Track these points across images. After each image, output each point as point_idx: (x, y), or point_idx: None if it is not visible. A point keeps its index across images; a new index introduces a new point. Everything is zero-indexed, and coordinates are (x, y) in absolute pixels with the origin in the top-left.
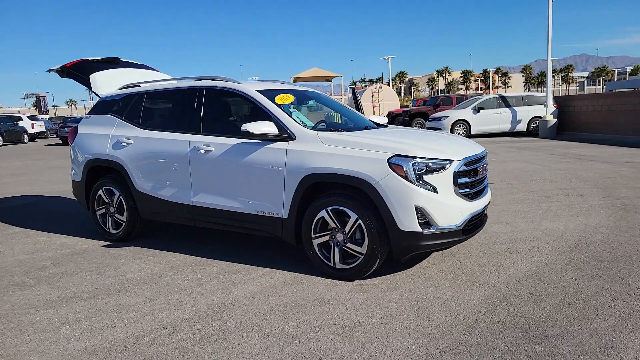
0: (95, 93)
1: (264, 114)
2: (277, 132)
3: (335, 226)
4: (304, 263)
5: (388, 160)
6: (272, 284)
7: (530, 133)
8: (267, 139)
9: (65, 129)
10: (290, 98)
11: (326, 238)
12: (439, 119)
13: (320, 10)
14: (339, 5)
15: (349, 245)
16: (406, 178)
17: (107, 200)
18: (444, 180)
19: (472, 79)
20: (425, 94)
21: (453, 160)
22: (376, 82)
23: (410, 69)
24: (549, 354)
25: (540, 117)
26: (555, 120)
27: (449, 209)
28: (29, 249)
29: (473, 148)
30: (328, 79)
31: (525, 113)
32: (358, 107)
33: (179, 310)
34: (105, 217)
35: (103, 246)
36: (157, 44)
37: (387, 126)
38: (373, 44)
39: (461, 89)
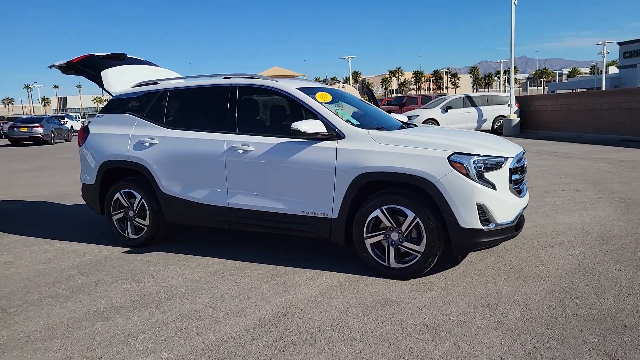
0: (106, 90)
1: (307, 113)
2: (326, 130)
3: (390, 225)
4: (348, 263)
5: (448, 158)
6: (328, 285)
7: (495, 131)
8: (315, 138)
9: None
10: (329, 97)
11: (380, 237)
12: (410, 118)
13: (274, 8)
14: (292, 3)
15: (405, 244)
16: (467, 175)
17: (125, 204)
18: (500, 177)
19: (423, 79)
20: (379, 93)
21: (508, 157)
22: (330, 82)
23: (363, 69)
24: (638, 343)
25: (504, 116)
26: (519, 119)
27: (506, 205)
28: (42, 258)
29: (516, 146)
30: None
31: (490, 112)
32: (375, 104)
33: (246, 316)
34: (123, 222)
35: (124, 252)
36: (103, 41)
37: (416, 125)
38: (327, 44)
39: (413, 89)
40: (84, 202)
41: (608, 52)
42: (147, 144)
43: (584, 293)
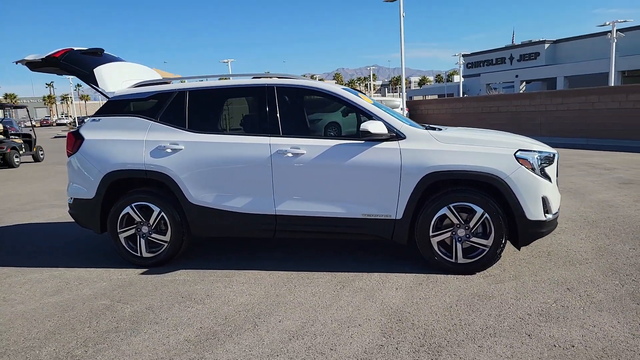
0: (99, 91)
1: (361, 114)
2: (387, 131)
3: (458, 222)
4: (396, 263)
5: (514, 154)
6: (407, 286)
7: None
8: (376, 139)
9: None
10: (368, 99)
11: (447, 235)
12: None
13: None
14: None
15: (473, 239)
16: (533, 170)
17: (138, 219)
18: (553, 171)
19: None
20: None
21: (556, 153)
22: None
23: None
24: None
25: None
26: None
27: (557, 196)
28: (46, 290)
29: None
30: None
31: None
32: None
33: (361, 325)
34: (133, 240)
35: (143, 274)
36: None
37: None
38: (209, 46)
39: None
40: (63, 218)
41: (463, 63)
42: (168, 150)
43: (632, 271)
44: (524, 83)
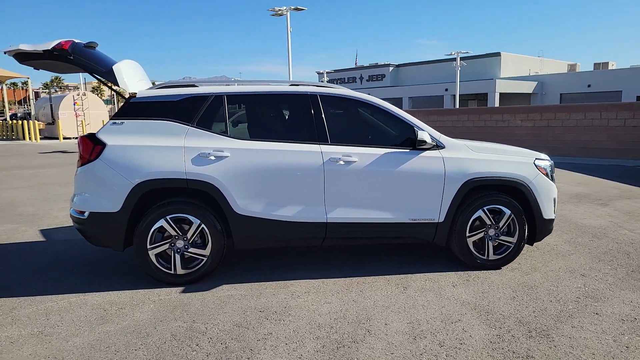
0: (116, 90)
1: (402, 125)
2: (431, 141)
3: (490, 223)
4: (427, 263)
5: (534, 163)
6: (460, 283)
7: None
8: (426, 148)
9: None
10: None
11: (481, 235)
12: None
13: None
14: None
15: (501, 237)
16: (547, 176)
17: (174, 233)
18: (554, 176)
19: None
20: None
21: (552, 162)
22: (44, 88)
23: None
24: None
25: None
26: None
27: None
28: (92, 317)
29: None
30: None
31: None
32: None
33: (465, 321)
34: (165, 256)
35: (183, 292)
36: None
37: None
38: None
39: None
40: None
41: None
42: (212, 157)
43: (611, 256)
44: None
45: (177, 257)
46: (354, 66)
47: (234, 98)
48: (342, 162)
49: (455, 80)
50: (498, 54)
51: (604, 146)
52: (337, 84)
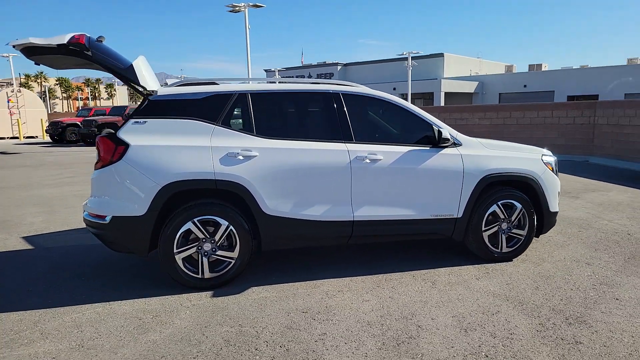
0: (135, 89)
1: (422, 124)
2: (450, 139)
3: (503, 217)
4: (443, 258)
5: (541, 159)
6: (481, 276)
7: None
8: (446, 145)
9: None
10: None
11: (495, 229)
12: None
13: None
14: None
15: (513, 230)
16: (553, 171)
17: (201, 236)
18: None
19: (74, 86)
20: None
21: (555, 157)
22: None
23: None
24: None
25: None
26: None
27: None
28: (130, 327)
29: None
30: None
31: None
32: None
33: (504, 312)
34: (192, 260)
35: (213, 297)
36: None
37: None
38: None
39: (58, 97)
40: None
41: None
42: (240, 157)
43: (604, 245)
44: None
45: (205, 260)
46: (300, 64)
47: (258, 97)
48: (368, 161)
49: (407, 79)
50: (441, 55)
51: (556, 142)
52: None
